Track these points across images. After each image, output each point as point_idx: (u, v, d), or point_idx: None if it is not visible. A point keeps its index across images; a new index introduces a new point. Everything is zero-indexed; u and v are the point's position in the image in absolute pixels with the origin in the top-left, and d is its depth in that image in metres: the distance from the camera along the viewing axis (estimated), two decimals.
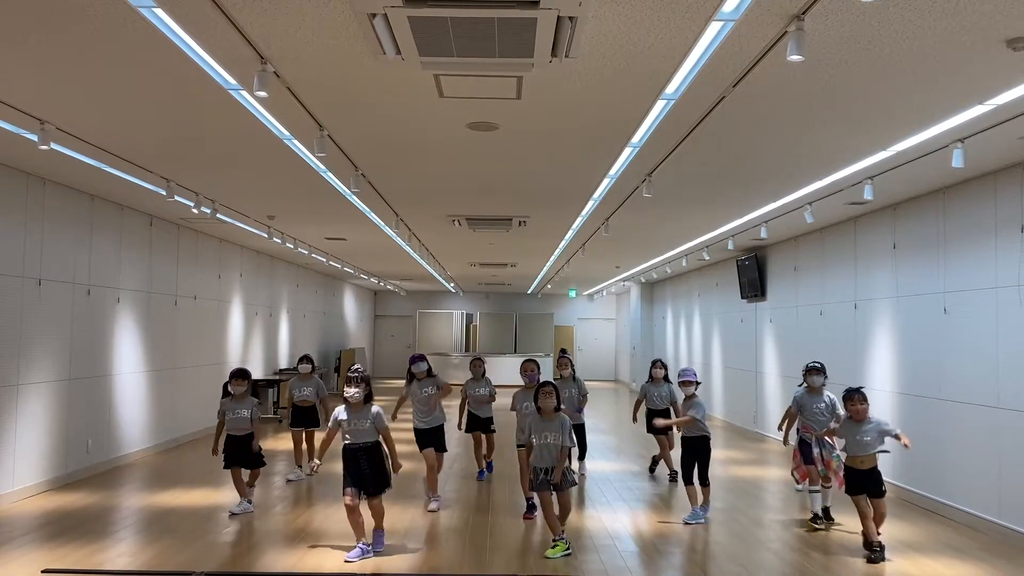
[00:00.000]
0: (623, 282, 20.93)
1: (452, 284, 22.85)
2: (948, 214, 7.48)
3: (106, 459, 9.03)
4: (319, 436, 7.01)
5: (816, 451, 6.86)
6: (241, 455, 7.13)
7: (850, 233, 9.48)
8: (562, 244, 12.73)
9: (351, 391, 5.82)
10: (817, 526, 6.83)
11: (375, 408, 5.89)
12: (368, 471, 5.81)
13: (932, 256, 7.71)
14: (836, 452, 6.71)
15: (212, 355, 12.27)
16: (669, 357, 19.84)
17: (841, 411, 6.47)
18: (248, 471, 7.24)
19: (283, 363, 16.32)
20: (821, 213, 8.80)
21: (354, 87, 4.89)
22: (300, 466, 8.90)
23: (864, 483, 6.03)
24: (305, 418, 8.95)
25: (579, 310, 27.46)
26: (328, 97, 5.10)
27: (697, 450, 7.07)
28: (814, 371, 7.10)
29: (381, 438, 5.90)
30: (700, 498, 7.07)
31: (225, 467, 7.16)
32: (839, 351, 9.69)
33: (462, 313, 27.12)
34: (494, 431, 8.91)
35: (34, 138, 5.87)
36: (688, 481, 7.10)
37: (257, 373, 14.50)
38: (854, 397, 6.16)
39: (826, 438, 6.76)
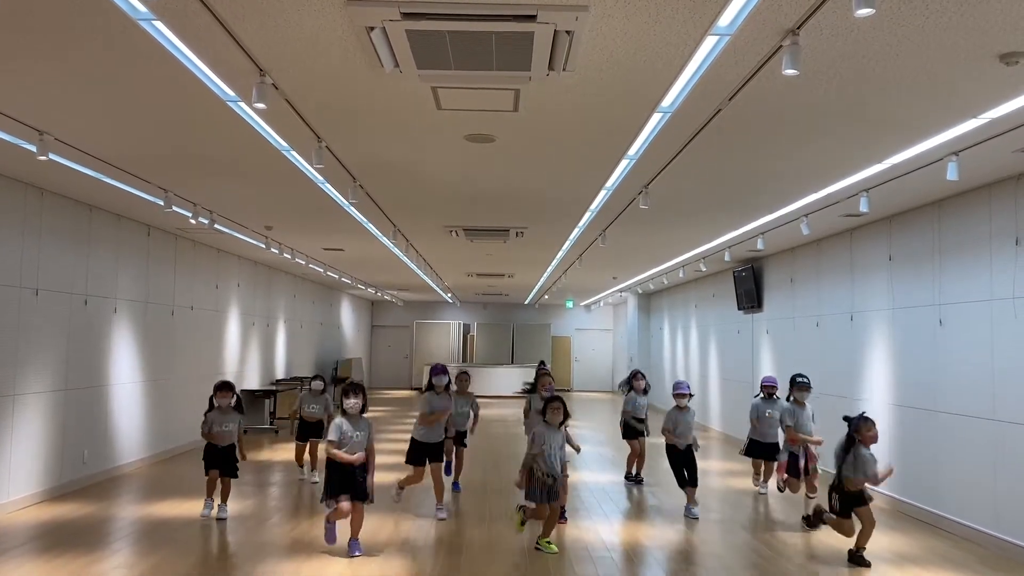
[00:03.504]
0: (620, 293, 20.95)
1: (449, 295, 22.86)
2: (943, 226, 7.51)
3: (102, 469, 9.01)
4: (321, 447, 7.28)
5: (797, 460, 7.75)
6: (220, 460, 7.26)
7: (846, 245, 9.52)
8: (559, 255, 12.76)
9: (350, 401, 6.15)
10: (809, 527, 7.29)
11: (367, 419, 6.27)
12: (361, 480, 6.13)
13: (928, 268, 7.74)
14: (816, 464, 7.48)
15: (209, 365, 12.26)
16: (666, 368, 19.86)
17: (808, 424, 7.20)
18: (223, 481, 7.29)
19: (280, 374, 16.30)
20: (817, 225, 8.84)
21: (352, 99, 4.92)
22: (302, 466, 9.46)
23: (854, 503, 6.31)
24: (310, 431, 9.22)
25: (576, 321, 27.46)
26: (326, 109, 5.13)
27: (683, 458, 7.87)
28: (793, 384, 8.05)
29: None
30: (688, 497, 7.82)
31: (206, 471, 7.30)
32: (836, 362, 9.71)
33: (459, 323, 27.12)
34: (466, 446, 8.86)
35: (33, 148, 5.89)
36: (682, 485, 7.86)
37: (254, 383, 14.49)
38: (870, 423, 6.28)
39: (811, 448, 7.68)
